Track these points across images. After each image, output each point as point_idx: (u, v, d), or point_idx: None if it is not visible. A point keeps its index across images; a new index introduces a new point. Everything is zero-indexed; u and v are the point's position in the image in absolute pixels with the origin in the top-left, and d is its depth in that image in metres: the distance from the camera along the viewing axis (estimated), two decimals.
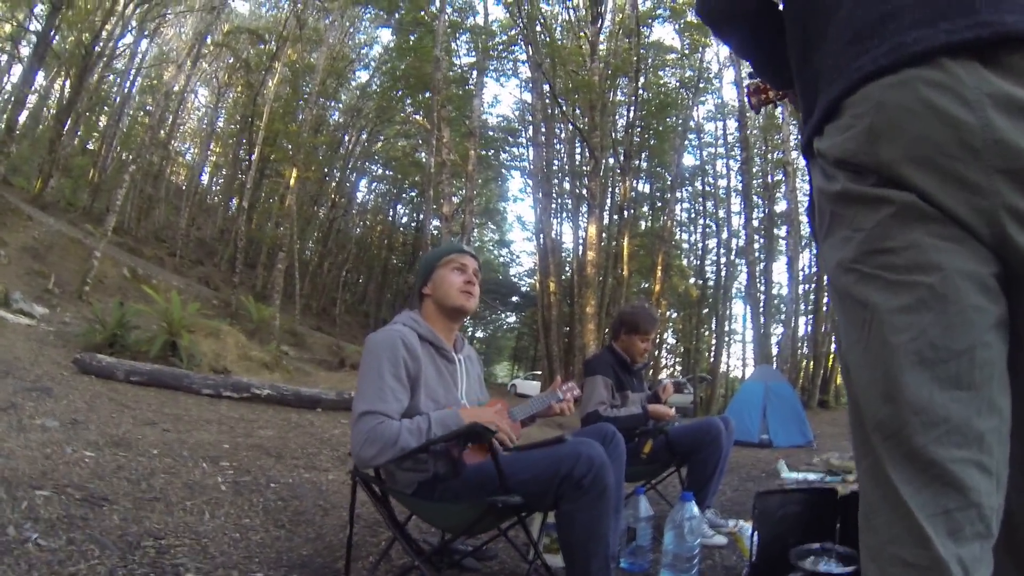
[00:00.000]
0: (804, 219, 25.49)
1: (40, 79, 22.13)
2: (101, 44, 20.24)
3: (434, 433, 2.07)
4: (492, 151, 30.51)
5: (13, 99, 17.07)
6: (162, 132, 24.43)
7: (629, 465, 2.40)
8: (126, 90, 25.62)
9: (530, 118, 25.18)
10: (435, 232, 19.93)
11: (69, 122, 20.49)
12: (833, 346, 26.30)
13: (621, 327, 3.75)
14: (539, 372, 28.27)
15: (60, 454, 3.13)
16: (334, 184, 31.07)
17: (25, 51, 19.40)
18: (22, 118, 19.75)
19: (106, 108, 26.29)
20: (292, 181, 18.53)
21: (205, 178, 36.63)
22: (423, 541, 2.86)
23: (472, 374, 2.47)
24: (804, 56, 1.15)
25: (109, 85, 25.50)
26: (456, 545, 2.59)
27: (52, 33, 15.03)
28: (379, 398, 2.06)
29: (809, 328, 25.95)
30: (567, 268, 25.33)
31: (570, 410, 2.50)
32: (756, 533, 2.41)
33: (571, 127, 21.50)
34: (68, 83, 21.25)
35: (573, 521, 2.03)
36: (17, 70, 21.86)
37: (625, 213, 25.10)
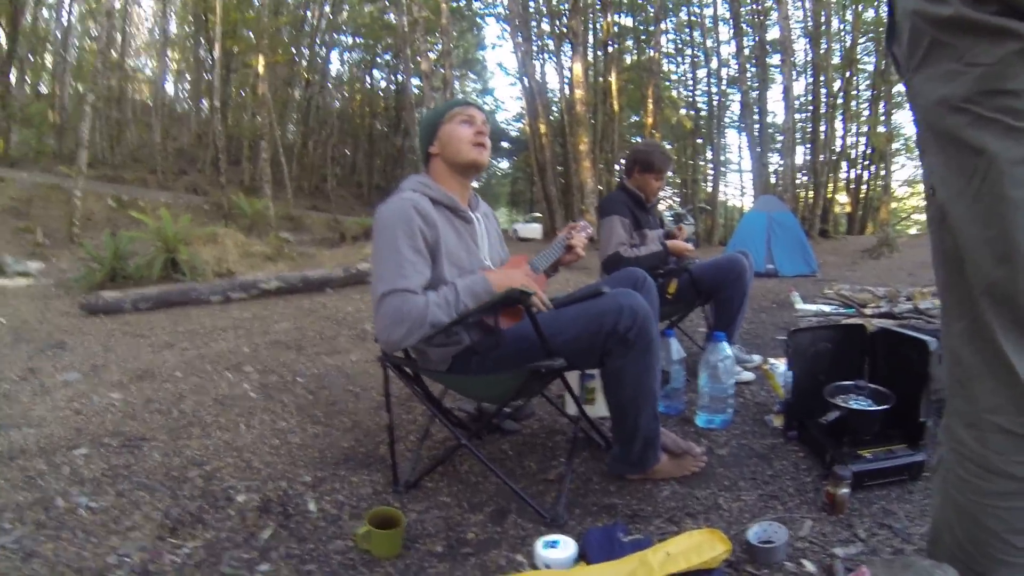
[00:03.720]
0: (798, 46, 24.35)
1: None
2: None
3: (463, 302, 1.93)
4: (464, 1, 29.03)
5: None
6: (113, 53, 23.15)
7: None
8: (65, 22, 24.38)
9: None
10: (417, 91, 19.59)
11: (14, 71, 19.50)
12: (830, 174, 26.01)
13: (635, 165, 3.64)
14: (539, 215, 28.16)
15: (88, 405, 3.08)
16: (304, 63, 30.00)
17: None
18: None
19: (49, 46, 25.04)
20: (261, 69, 17.86)
21: (169, 87, 35.46)
22: (459, 410, 2.82)
23: (492, 231, 2.31)
24: None
25: (46, 22, 24.33)
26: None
27: None
28: (399, 274, 1.89)
29: (807, 158, 25.53)
30: (555, 109, 24.54)
31: (581, 247, 2.39)
32: (791, 371, 2.39)
33: None
34: (2, 32, 19.96)
35: (621, 377, 1.95)
36: None
37: (609, 48, 24.41)
